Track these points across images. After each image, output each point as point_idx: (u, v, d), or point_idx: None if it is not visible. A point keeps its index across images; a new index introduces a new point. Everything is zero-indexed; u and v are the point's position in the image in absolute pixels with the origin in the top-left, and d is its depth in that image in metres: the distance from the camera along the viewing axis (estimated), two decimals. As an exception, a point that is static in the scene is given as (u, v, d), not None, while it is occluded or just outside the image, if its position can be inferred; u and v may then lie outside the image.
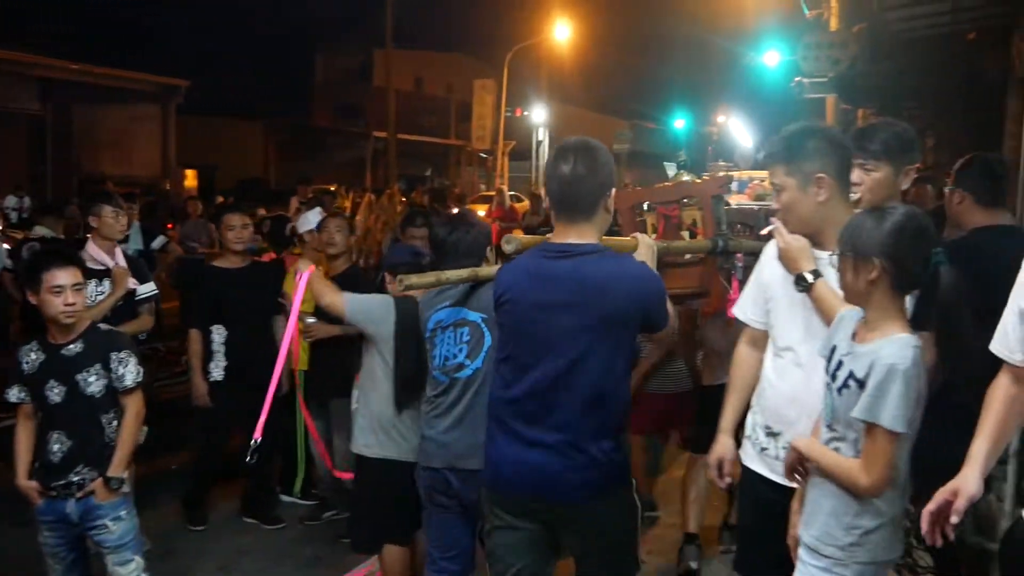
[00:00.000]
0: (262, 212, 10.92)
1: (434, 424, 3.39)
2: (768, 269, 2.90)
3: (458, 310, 3.35)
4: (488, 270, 3.18)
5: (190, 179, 23.46)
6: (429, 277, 3.16)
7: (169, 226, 10.60)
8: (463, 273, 3.19)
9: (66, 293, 3.38)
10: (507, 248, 2.96)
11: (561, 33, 33.76)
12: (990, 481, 3.30)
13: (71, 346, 3.48)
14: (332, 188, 17.88)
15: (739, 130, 41.12)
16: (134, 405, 3.56)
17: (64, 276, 3.40)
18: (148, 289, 5.02)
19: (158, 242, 7.89)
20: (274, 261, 6.09)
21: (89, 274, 4.19)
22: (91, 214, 4.93)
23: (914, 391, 2.32)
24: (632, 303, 2.68)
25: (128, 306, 4.85)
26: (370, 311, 3.76)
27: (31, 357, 3.50)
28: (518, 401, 2.75)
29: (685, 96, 40.77)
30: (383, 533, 3.92)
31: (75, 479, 3.46)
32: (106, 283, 4.75)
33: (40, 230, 7.71)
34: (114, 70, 21.20)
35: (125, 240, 7.90)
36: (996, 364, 2.37)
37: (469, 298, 3.33)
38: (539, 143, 38.47)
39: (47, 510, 3.49)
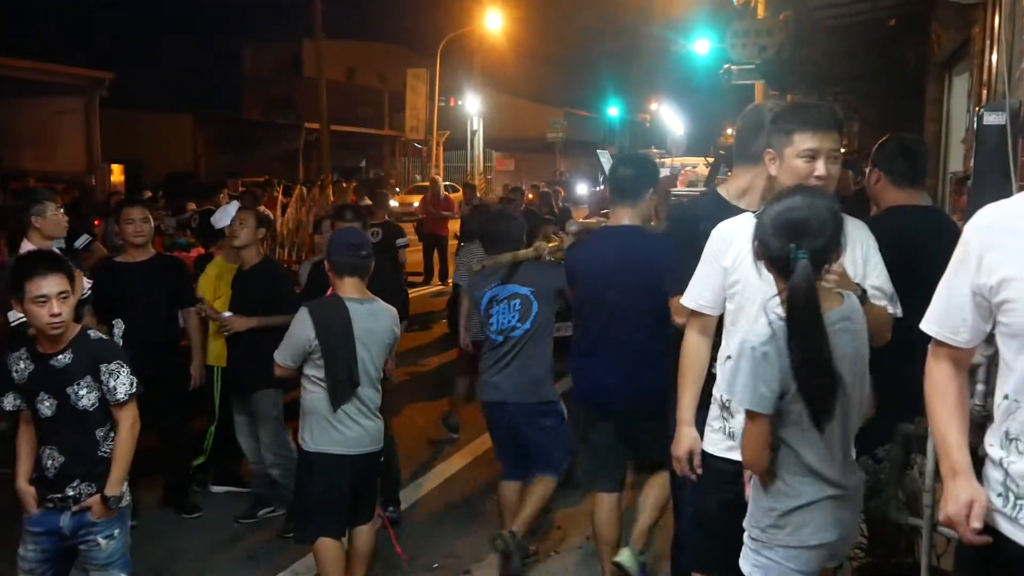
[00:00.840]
0: (192, 207, 10.73)
1: (492, 372, 4.42)
2: (734, 257, 2.76)
3: (507, 287, 4.37)
4: (526, 252, 4.39)
5: (116, 174, 22.86)
6: (504, 258, 4.37)
7: (96, 223, 10.31)
8: (528, 252, 4.39)
9: (51, 303, 3.18)
10: (571, 229, 4.28)
11: (493, 22, 33.72)
12: (913, 457, 3.38)
13: (60, 356, 3.30)
14: (263, 180, 17.64)
15: (671, 118, 41.56)
16: (128, 418, 3.39)
17: (48, 284, 3.19)
18: (85, 289, 4.85)
19: (82, 240, 7.68)
20: (199, 256, 6.01)
21: None
22: (34, 213, 4.77)
23: (763, 370, 2.36)
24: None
25: None
26: (295, 344, 3.93)
27: (20, 366, 3.34)
28: (595, 341, 3.87)
29: (618, 84, 41.07)
30: (321, 526, 3.93)
31: (71, 493, 3.33)
32: None
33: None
34: (35, 63, 20.59)
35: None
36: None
37: (513, 276, 4.37)
38: (473, 132, 38.42)
39: (39, 521, 3.36)
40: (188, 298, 5.33)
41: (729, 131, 27.28)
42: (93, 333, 3.46)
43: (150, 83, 24.66)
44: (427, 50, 36.90)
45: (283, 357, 3.95)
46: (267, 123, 32.10)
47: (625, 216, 3.85)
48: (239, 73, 34.35)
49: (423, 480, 6.00)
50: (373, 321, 3.96)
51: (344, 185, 13.24)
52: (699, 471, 2.98)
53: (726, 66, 14.44)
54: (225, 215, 5.83)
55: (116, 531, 3.41)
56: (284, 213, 7.77)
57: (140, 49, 24.56)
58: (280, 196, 8.66)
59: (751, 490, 2.59)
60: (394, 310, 4.11)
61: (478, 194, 19.76)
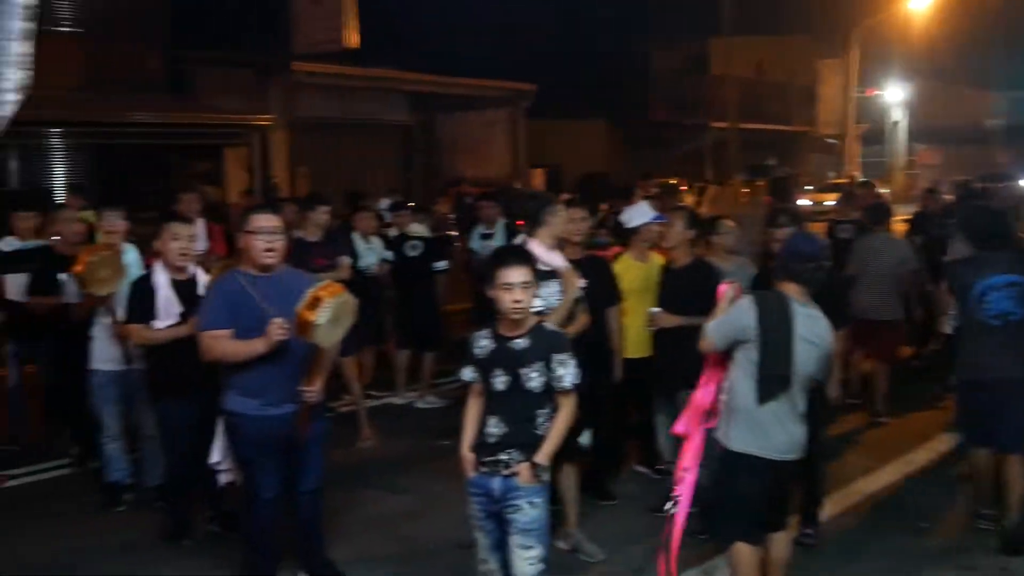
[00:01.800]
0: (604, 208, 11.21)
1: (986, 352, 4.99)
2: None
3: (1009, 276, 4.92)
4: None
5: (538, 178, 24.60)
6: None
7: (519, 223, 11.14)
8: None
9: (515, 291, 3.62)
10: None
11: (917, 2, 31.22)
12: None
13: (519, 341, 3.70)
14: (673, 181, 17.90)
15: None
16: (568, 404, 3.72)
17: (514, 275, 3.63)
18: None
19: (521, 238, 8.33)
20: (617, 255, 6.25)
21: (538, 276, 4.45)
22: (547, 213, 4.94)
23: None
24: None
25: None
26: (731, 327, 3.95)
27: (483, 344, 3.79)
28: None
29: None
30: (738, 529, 3.92)
31: (503, 458, 3.69)
32: (554, 284, 4.76)
33: (418, 228, 8.45)
34: (471, 80, 22.74)
35: (491, 237, 8.48)
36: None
37: (1013, 267, 4.94)
38: (894, 124, 35.87)
39: (477, 483, 3.78)
40: (611, 297, 5.50)
41: None
42: (548, 325, 3.84)
43: (567, 92, 26.05)
44: (838, 40, 35.14)
45: (715, 333, 4.01)
46: (674, 124, 32.55)
47: None
48: (647, 76, 35.17)
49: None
50: (814, 325, 3.90)
51: (757, 184, 13.03)
52: None
53: None
54: (636, 214, 5.99)
55: (538, 500, 3.69)
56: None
57: (558, 60, 26.07)
58: (692, 196, 8.75)
59: None
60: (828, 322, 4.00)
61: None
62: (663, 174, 21.31)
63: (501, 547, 3.80)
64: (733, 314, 3.94)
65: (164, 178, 18.85)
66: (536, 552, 3.68)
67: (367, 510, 5.76)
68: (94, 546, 5.29)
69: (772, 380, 3.82)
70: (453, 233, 16.99)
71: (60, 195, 15.92)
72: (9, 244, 7.03)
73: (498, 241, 8.31)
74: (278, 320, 4.19)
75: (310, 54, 18.89)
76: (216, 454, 4.66)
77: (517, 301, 3.62)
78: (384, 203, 16.31)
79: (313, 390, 4.34)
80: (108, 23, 19.25)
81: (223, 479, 4.77)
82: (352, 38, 18.23)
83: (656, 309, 5.21)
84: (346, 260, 7.25)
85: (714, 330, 4.01)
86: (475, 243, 8.67)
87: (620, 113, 29.96)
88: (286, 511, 4.68)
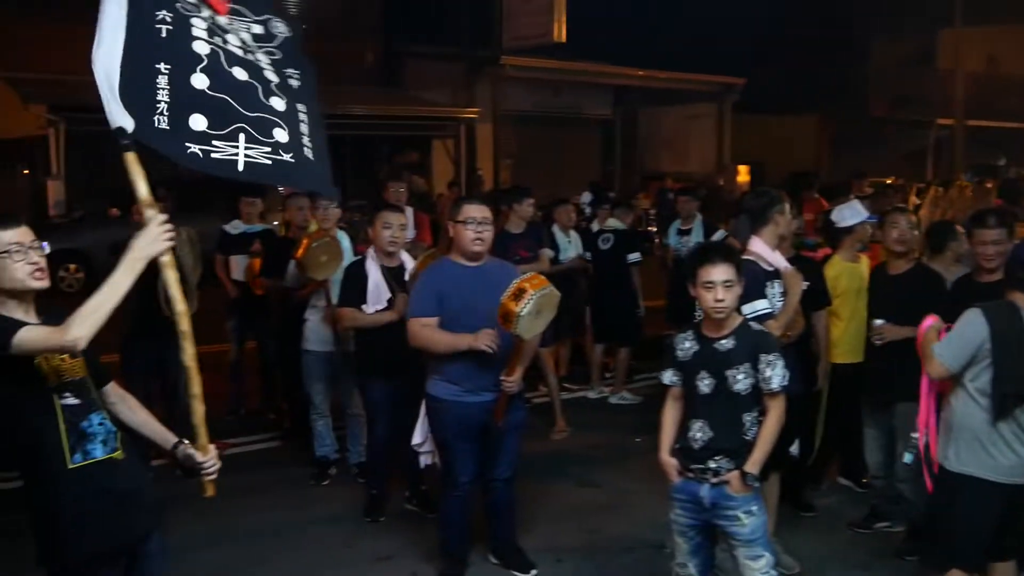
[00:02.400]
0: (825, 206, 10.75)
1: None
2: None
3: None
4: None
5: (742, 175, 23.95)
6: None
7: (724, 225, 10.85)
8: None
9: (717, 289, 3.51)
10: None
11: None
12: None
13: (724, 341, 3.59)
14: (890, 181, 16.97)
15: None
16: (777, 408, 3.57)
17: (716, 273, 3.53)
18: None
19: (719, 235, 8.15)
20: (826, 256, 5.97)
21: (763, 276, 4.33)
22: (776, 211, 4.70)
23: None
24: None
25: None
26: (966, 345, 3.63)
27: (685, 346, 3.69)
28: None
29: None
30: (954, 555, 3.65)
31: (712, 466, 3.57)
32: (777, 286, 4.50)
33: (612, 222, 8.41)
34: (675, 74, 22.43)
35: (688, 232, 8.32)
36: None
37: None
38: None
39: (681, 489, 3.67)
40: (820, 299, 5.27)
41: None
42: (754, 325, 3.69)
43: (778, 86, 25.19)
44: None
45: (947, 356, 3.68)
46: (893, 120, 30.82)
47: None
48: (866, 69, 33.47)
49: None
50: None
51: (988, 185, 12.12)
52: None
53: None
54: (850, 213, 5.68)
55: (755, 507, 3.56)
56: (916, 214, 7.39)
57: (768, 53, 25.21)
58: (913, 197, 8.25)
59: None
60: None
61: None
62: (878, 173, 20.25)
63: (700, 552, 3.72)
64: (966, 331, 3.62)
65: (375, 168, 19.72)
66: (766, 560, 3.57)
67: (557, 501, 5.79)
68: (300, 516, 5.60)
69: (1008, 398, 3.52)
70: (652, 228, 16.83)
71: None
72: (235, 227, 7.53)
73: (695, 237, 8.15)
74: (491, 332, 4.26)
75: (519, 48, 19.18)
76: (418, 436, 4.81)
77: (719, 300, 3.52)
78: (585, 197, 16.40)
79: (513, 380, 4.39)
80: (328, 20, 20.30)
81: (423, 461, 4.92)
82: (561, 33, 18.36)
83: (880, 321, 4.88)
84: (547, 252, 7.30)
85: (946, 353, 3.68)
86: (671, 239, 8.52)
87: (834, 108, 28.66)
88: (480, 496, 4.77)
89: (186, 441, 3.18)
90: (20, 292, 2.88)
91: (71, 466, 2.90)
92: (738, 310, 3.73)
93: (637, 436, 7.05)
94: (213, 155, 3.14)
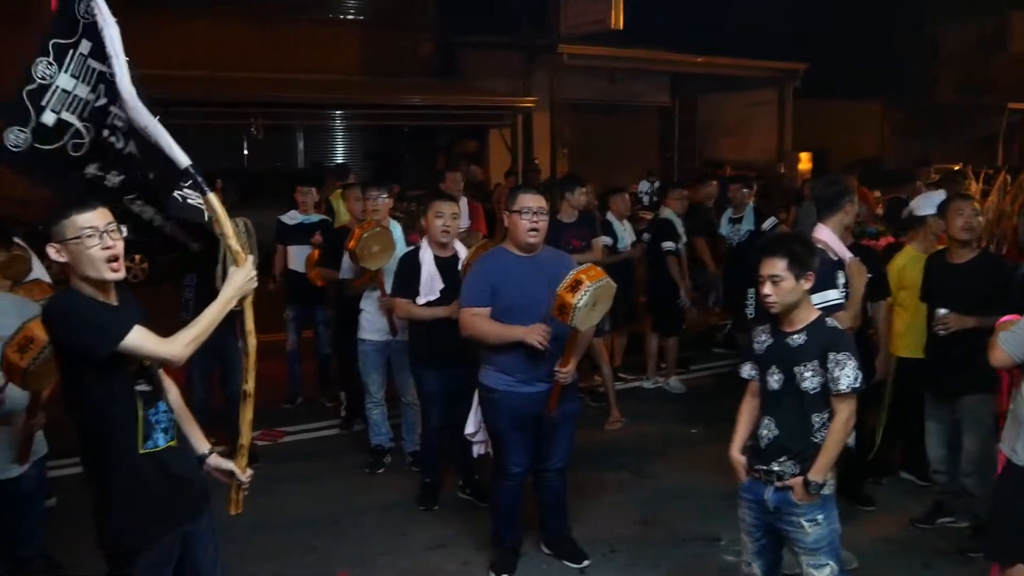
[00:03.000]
0: (876, 194, 10.54)
1: None
2: None
3: None
4: None
5: (804, 162, 23.51)
6: None
7: (789, 210, 10.66)
8: None
9: (764, 283, 3.43)
10: None
11: None
12: None
13: (795, 336, 3.47)
14: (957, 168, 16.53)
15: None
16: (845, 411, 3.40)
17: (765, 266, 3.44)
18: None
19: (769, 223, 8.04)
20: (888, 245, 5.84)
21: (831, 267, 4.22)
22: (848, 200, 4.65)
23: None
24: None
25: None
26: None
27: (762, 339, 3.60)
28: None
29: None
30: (1019, 550, 3.54)
31: (776, 468, 3.46)
32: (840, 276, 4.39)
33: (666, 212, 8.33)
34: (736, 60, 22.06)
35: (740, 221, 8.23)
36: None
37: None
38: None
39: (748, 488, 3.60)
40: (882, 290, 5.15)
41: None
42: (830, 321, 3.52)
43: (841, 71, 24.64)
44: None
45: (1012, 345, 3.56)
46: (961, 105, 30.02)
47: None
48: (933, 54, 32.65)
49: None
50: None
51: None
52: None
53: None
54: (928, 203, 5.55)
55: (820, 516, 3.43)
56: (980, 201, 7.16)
57: (831, 37, 24.67)
58: (974, 184, 8.02)
59: None
60: None
61: None
62: (944, 160, 19.76)
63: (766, 553, 3.63)
64: None
65: (433, 158, 19.81)
66: (830, 569, 3.45)
67: (611, 492, 5.76)
68: (354, 503, 5.65)
69: None
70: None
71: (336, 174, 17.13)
72: (292, 218, 7.62)
73: (746, 225, 8.02)
74: (543, 328, 4.24)
75: (576, 36, 19.08)
76: (470, 426, 4.81)
77: (766, 296, 3.43)
78: (643, 185, 16.29)
79: (567, 371, 4.36)
80: (386, 11, 20.42)
81: (476, 450, 4.93)
82: (618, 19, 18.21)
83: (944, 310, 4.74)
84: (600, 241, 7.25)
85: (1011, 341, 3.56)
86: (724, 227, 8.39)
87: (899, 94, 28.03)
88: (533, 486, 4.77)
89: (218, 450, 3.26)
90: (97, 280, 2.92)
91: (142, 451, 2.97)
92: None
93: (693, 427, 7.00)
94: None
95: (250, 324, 3.27)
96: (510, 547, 4.75)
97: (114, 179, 3.31)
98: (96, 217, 2.89)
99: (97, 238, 2.87)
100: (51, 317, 2.90)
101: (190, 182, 3.19)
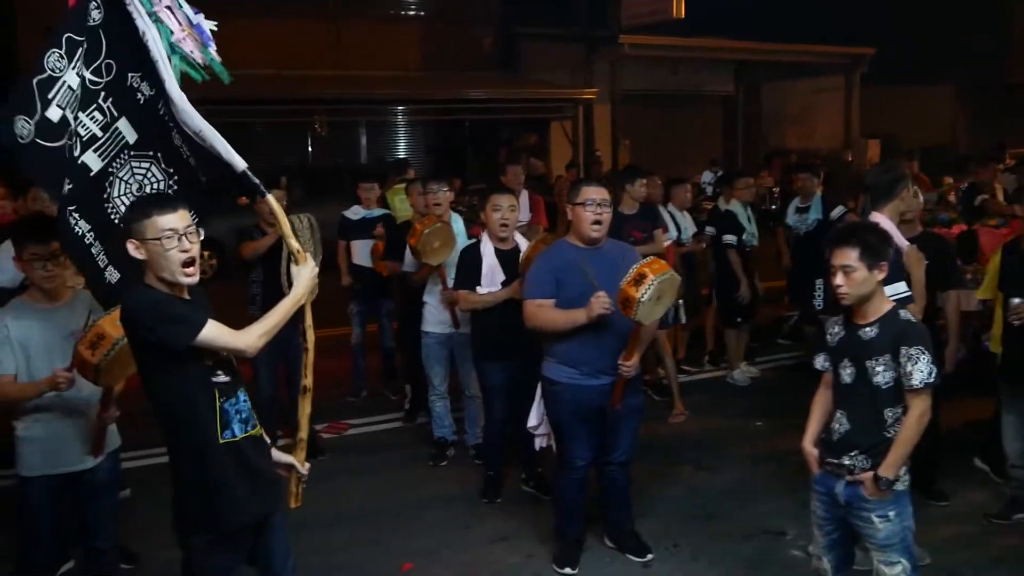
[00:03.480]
0: (948, 181, 10.28)
1: None
2: None
3: None
4: None
5: (872, 149, 23.00)
6: None
7: (858, 200, 10.45)
8: None
9: (836, 274, 3.35)
10: None
11: None
12: None
13: (867, 329, 3.39)
14: (1031, 152, 16.02)
15: None
16: (919, 407, 3.31)
17: (836, 257, 3.36)
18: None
19: (837, 212, 7.88)
20: (961, 233, 5.69)
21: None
22: (903, 187, 4.55)
23: None
24: None
25: None
26: None
27: (834, 330, 3.54)
28: None
29: None
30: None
31: (847, 462, 3.41)
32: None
33: (730, 203, 8.22)
34: (799, 45, 21.67)
35: (807, 210, 8.08)
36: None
37: None
38: None
39: (819, 481, 3.55)
40: (951, 279, 5.02)
41: None
42: (903, 314, 3.42)
43: (910, 55, 24.02)
44: None
45: None
46: (1036, 88, 29.10)
47: None
48: (1007, 35, 31.68)
49: None
50: None
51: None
52: None
53: None
54: None
55: (891, 513, 3.37)
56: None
57: (901, 20, 24.06)
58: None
59: None
60: None
61: None
62: (1020, 144, 19.17)
63: (837, 547, 3.58)
64: None
65: (494, 151, 19.85)
66: (901, 567, 3.39)
67: (675, 486, 5.72)
68: (418, 496, 5.69)
69: None
70: (775, 208, 16.37)
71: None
72: (355, 213, 7.69)
73: (814, 215, 7.86)
74: (602, 294, 4.22)
75: (637, 26, 18.93)
76: (533, 419, 4.82)
77: (838, 287, 3.35)
78: (706, 176, 16.12)
79: (630, 364, 4.34)
80: (447, 6, 20.49)
81: (539, 443, 4.93)
82: (680, 8, 18.01)
83: (1018, 300, 4.60)
84: (662, 233, 7.19)
85: None
86: (790, 217, 8.22)
87: (970, 77, 27.22)
88: (596, 480, 4.75)
89: (280, 444, 3.32)
90: (171, 282, 2.99)
91: (221, 441, 3.03)
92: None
93: (757, 420, 6.91)
94: None
95: (309, 319, 3.34)
96: (573, 540, 4.75)
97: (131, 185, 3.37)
98: (177, 219, 2.95)
99: (176, 240, 2.93)
100: (129, 311, 2.97)
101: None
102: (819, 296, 7.22)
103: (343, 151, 19.00)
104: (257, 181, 3.27)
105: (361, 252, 7.53)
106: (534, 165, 19.53)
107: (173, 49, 3.22)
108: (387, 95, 18.24)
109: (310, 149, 18.82)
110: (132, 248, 2.95)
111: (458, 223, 6.36)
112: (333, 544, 4.99)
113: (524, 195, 8.25)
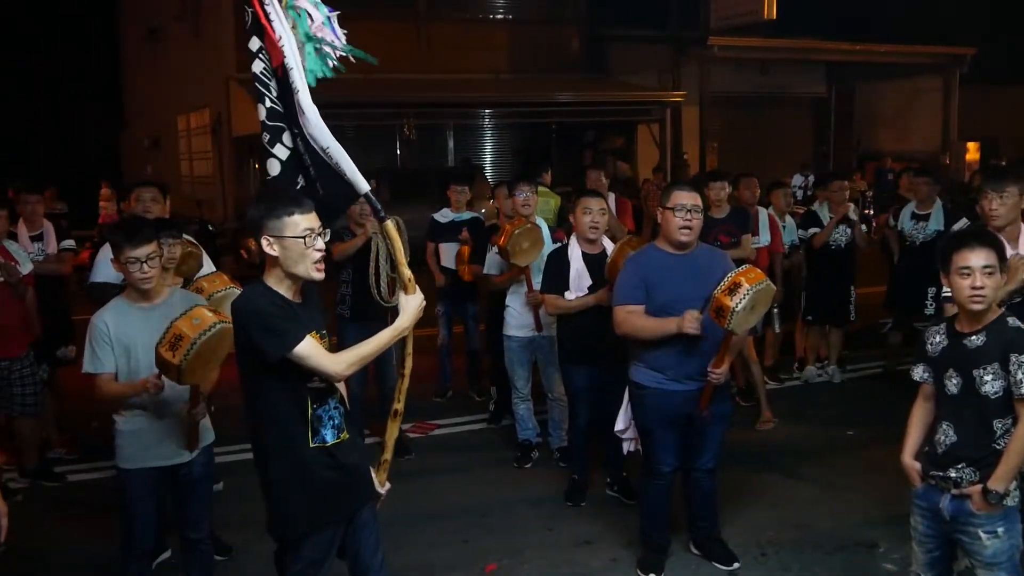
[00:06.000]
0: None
1: None
2: None
3: None
4: None
5: (972, 152, 22.25)
6: None
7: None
8: None
9: (975, 276, 3.20)
10: None
11: None
12: None
13: (974, 337, 3.27)
14: None
15: None
16: None
17: (975, 257, 3.21)
18: None
19: (959, 225, 7.60)
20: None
21: None
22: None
23: None
24: None
25: None
26: None
27: (935, 340, 3.42)
28: None
29: None
30: None
31: (953, 475, 3.30)
32: None
33: (816, 207, 8.09)
34: (896, 46, 21.08)
35: (926, 218, 7.79)
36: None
37: None
38: None
39: (922, 496, 3.45)
40: None
41: None
42: (1012, 321, 3.28)
43: (1012, 54, 23.12)
44: None
45: None
46: None
47: None
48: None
49: None
50: None
51: None
52: None
53: None
54: None
55: (1000, 529, 3.25)
56: None
57: (1002, 19, 23.19)
58: None
59: None
60: None
61: None
62: None
63: (938, 565, 3.46)
64: None
65: (579, 154, 19.82)
66: None
67: (763, 494, 5.62)
68: (502, 497, 5.72)
69: None
70: (868, 212, 15.99)
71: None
72: (444, 215, 7.77)
73: (934, 224, 7.56)
74: (696, 314, 4.17)
75: (727, 28, 18.68)
76: (621, 422, 4.80)
77: (976, 288, 3.18)
78: (796, 179, 15.81)
79: (720, 372, 4.28)
80: (535, 8, 20.55)
81: (626, 447, 4.91)
82: (771, 9, 17.70)
83: None
84: (750, 238, 7.06)
85: None
86: (906, 224, 7.87)
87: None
88: (682, 485, 4.71)
89: (369, 443, 3.35)
90: (296, 277, 3.08)
91: (312, 445, 3.11)
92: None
93: (848, 429, 6.75)
94: None
95: (410, 347, 3.35)
96: (658, 546, 4.71)
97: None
98: (314, 219, 3.06)
99: (313, 239, 3.03)
100: (237, 311, 3.06)
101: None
102: (931, 305, 7.07)
103: (431, 154, 19.22)
104: (379, 205, 3.32)
105: (448, 254, 7.61)
106: (620, 168, 19.44)
107: (308, 38, 3.24)
108: (475, 98, 18.38)
109: (398, 152, 19.07)
110: (265, 244, 3.04)
111: (544, 226, 6.37)
112: (420, 541, 5.05)
113: (611, 198, 8.22)
